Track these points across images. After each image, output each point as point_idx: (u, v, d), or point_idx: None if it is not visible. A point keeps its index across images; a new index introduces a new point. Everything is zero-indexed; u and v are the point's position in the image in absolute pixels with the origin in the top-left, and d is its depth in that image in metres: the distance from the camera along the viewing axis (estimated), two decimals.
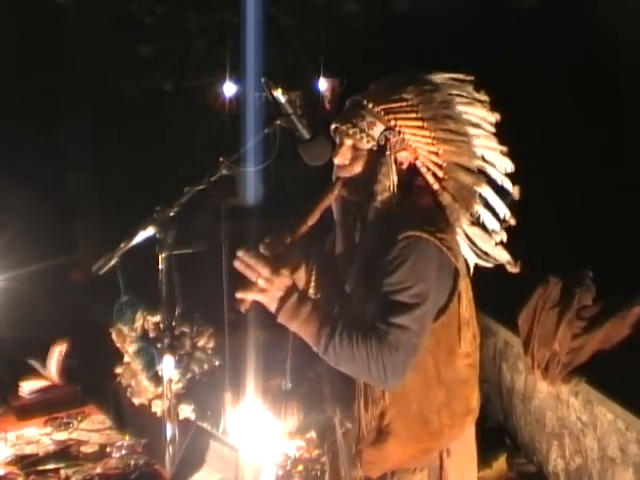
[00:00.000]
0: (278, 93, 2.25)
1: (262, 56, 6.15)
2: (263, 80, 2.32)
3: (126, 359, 3.42)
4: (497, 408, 4.63)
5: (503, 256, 2.12)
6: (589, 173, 5.65)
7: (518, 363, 4.39)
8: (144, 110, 7.69)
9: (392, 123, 2.01)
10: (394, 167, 2.01)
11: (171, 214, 2.28)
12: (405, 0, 7.01)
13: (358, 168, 2.04)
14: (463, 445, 2.17)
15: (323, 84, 8.43)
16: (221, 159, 2.29)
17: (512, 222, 2.10)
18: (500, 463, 4.10)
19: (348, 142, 2.05)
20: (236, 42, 6.59)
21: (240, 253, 1.89)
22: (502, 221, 2.10)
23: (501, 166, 2.10)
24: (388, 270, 1.93)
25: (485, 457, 4.03)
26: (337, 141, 2.09)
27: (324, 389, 2.27)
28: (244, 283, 1.94)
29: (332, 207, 2.13)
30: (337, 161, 2.06)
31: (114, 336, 3.37)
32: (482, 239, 2.11)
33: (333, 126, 2.10)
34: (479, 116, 2.08)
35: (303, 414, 2.31)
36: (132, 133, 7.67)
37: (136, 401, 3.36)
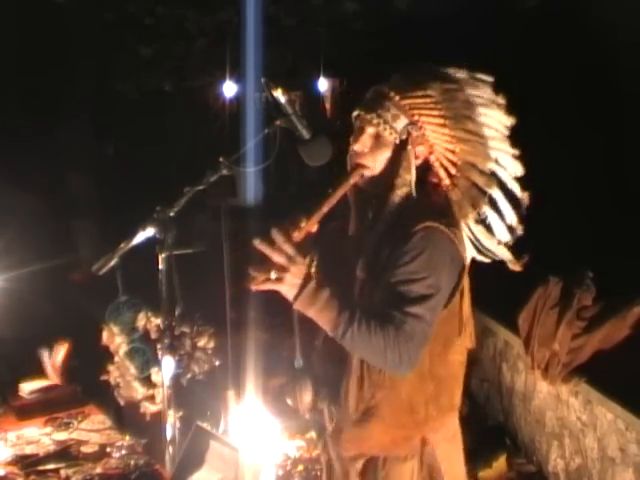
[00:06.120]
0: (278, 93, 2.25)
1: (262, 56, 6.15)
2: (263, 80, 2.32)
3: (116, 359, 3.42)
4: (497, 408, 4.63)
5: (505, 255, 2.15)
6: (589, 173, 5.66)
7: (518, 363, 4.39)
8: (144, 110, 7.69)
9: (415, 118, 2.03)
10: (414, 162, 2.03)
11: (171, 214, 2.28)
12: (405, 0, 7.01)
13: (377, 157, 2.05)
14: (450, 435, 2.20)
15: (323, 84, 8.44)
16: (221, 159, 2.29)
17: (519, 232, 2.11)
18: (500, 463, 4.10)
19: (370, 130, 2.05)
20: (236, 42, 6.60)
21: (256, 242, 1.89)
22: (509, 228, 2.11)
23: (512, 170, 2.12)
24: (404, 260, 1.96)
25: (485, 457, 4.04)
26: (356, 127, 2.09)
27: (312, 373, 2.27)
28: (246, 279, 1.94)
29: (347, 194, 2.12)
30: (357, 148, 2.06)
31: (104, 336, 3.36)
32: (486, 238, 2.13)
33: (356, 113, 2.10)
34: (496, 119, 2.10)
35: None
36: (132, 133, 7.68)
37: (122, 401, 3.36)
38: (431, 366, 2.07)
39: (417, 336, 1.92)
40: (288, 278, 1.89)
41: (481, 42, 6.36)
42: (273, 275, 1.89)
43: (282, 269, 1.88)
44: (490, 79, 2.11)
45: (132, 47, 7.21)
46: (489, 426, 4.59)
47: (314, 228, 2.02)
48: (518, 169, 2.12)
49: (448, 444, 2.18)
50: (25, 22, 6.67)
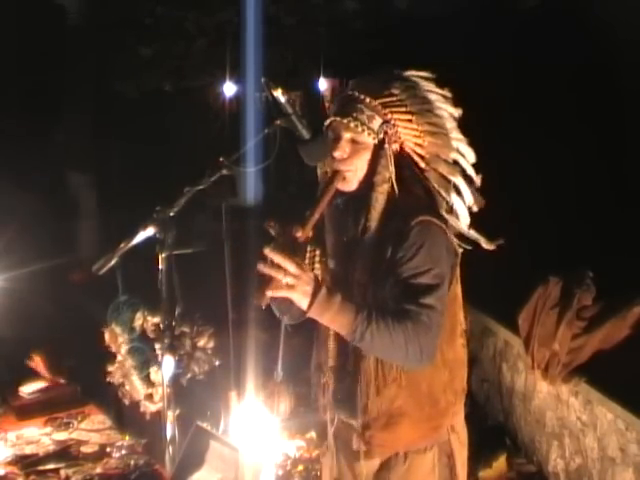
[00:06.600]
0: (278, 93, 2.26)
1: (262, 56, 6.16)
2: (263, 80, 2.34)
3: (119, 358, 3.42)
4: (497, 408, 4.63)
5: (478, 237, 2.19)
6: (589, 173, 5.65)
7: (518, 363, 4.39)
8: (144, 110, 7.69)
9: (389, 117, 2.08)
10: (392, 159, 2.07)
11: (171, 214, 2.28)
12: (405, 0, 7.02)
13: (357, 161, 2.08)
14: (460, 420, 2.28)
15: (323, 84, 8.43)
16: (221, 159, 2.30)
17: (475, 209, 2.17)
18: (500, 463, 4.10)
19: (346, 135, 2.08)
20: (236, 42, 6.60)
21: (267, 251, 1.89)
22: (469, 209, 2.18)
23: (470, 157, 2.18)
24: (407, 256, 2.00)
25: (485, 457, 4.04)
26: (331, 135, 2.12)
27: (314, 386, 2.29)
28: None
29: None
30: (337, 155, 2.08)
31: (107, 336, 3.36)
32: (456, 224, 2.17)
33: (329, 121, 2.12)
34: (449, 111, 2.16)
35: (295, 403, 2.35)
36: (132, 133, 7.67)
37: (126, 401, 3.37)
38: (443, 354, 2.12)
39: (434, 326, 1.97)
40: (300, 286, 1.90)
41: (481, 42, 6.36)
42: (286, 280, 1.89)
43: (293, 277, 1.89)
44: (432, 75, 2.17)
45: (132, 47, 7.22)
46: (489, 426, 4.59)
47: (309, 235, 2.03)
48: (472, 155, 2.18)
49: (461, 430, 2.25)
50: (26, 22, 6.68)
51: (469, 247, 2.17)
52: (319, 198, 2.06)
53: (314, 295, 1.90)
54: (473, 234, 2.18)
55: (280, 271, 1.88)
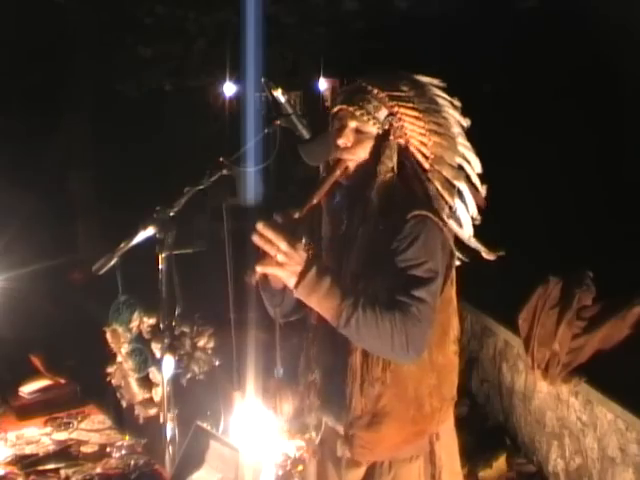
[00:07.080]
0: (278, 93, 2.26)
1: (262, 56, 6.16)
2: (263, 80, 2.33)
3: (119, 359, 3.43)
4: (497, 408, 4.63)
5: (478, 246, 2.18)
6: (590, 174, 5.66)
7: (518, 363, 4.39)
8: (144, 110, 7.70)
9: (395, 109, 2.07)
10: (396, 151, 2.07)
11: (171, 214, 2.28)
12: (405, 0, 7.02)
13: (360, 151, 2.08)
14: (449, 429, 2.24)
15: (323, 84, 8.44)
16: (221, 159, 2.30)
17: (478, 221, 2.16)
18: (500, 463, 4.10)
19: (352, 124, 2.08)
20: (236, 42, 6.61)
21: (259, 226, 1.88)
22: (472, 219, 2.16)
23: (475, 165, 2.17)
24: (401, 247, 1.99)
25: (485, 457, 4.04)
26: (337, 124, 2.11)
27: (302, 385, 2.29)
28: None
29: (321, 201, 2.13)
30: (340, 143, 2.08)
31: (109, 336, 3.36)
32: (456, 231, 2.16)
33: (336, 108, 2.12)
34: (455, 117, 2.16)
35: (299, 403, 2.34)
36: (132, 133, 7.68)
37: (124, 403, 3.37)
38: (431, 356, 2.09)
39: (424, 319, 1.92)
40: (290, 265, 1.88)
41: (480, 42, 6.36)
42: (280, 257, 1.88)
43: (284, 254, 1.87)
44: (443, 84, 2.18)
45: (132, 47, 7.22)
46: (489, 426, 4.58)
47: (304, 215, 2.02)
48: (479, 165, 2.17)
49: (448, 438, 2.21)
50: (25, 22, 6.68)
51: (467, 260, 2.16)
52: (319, 184, 2.05)
53: (302, 275, 1.88)
54: (473, 243, 2.16)
55: (272, 247, 1.88)
